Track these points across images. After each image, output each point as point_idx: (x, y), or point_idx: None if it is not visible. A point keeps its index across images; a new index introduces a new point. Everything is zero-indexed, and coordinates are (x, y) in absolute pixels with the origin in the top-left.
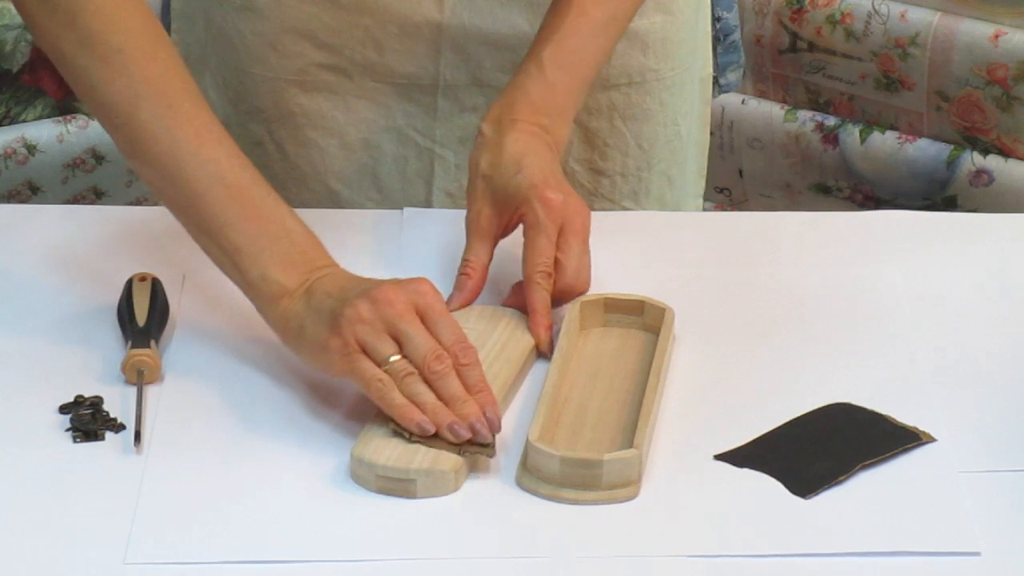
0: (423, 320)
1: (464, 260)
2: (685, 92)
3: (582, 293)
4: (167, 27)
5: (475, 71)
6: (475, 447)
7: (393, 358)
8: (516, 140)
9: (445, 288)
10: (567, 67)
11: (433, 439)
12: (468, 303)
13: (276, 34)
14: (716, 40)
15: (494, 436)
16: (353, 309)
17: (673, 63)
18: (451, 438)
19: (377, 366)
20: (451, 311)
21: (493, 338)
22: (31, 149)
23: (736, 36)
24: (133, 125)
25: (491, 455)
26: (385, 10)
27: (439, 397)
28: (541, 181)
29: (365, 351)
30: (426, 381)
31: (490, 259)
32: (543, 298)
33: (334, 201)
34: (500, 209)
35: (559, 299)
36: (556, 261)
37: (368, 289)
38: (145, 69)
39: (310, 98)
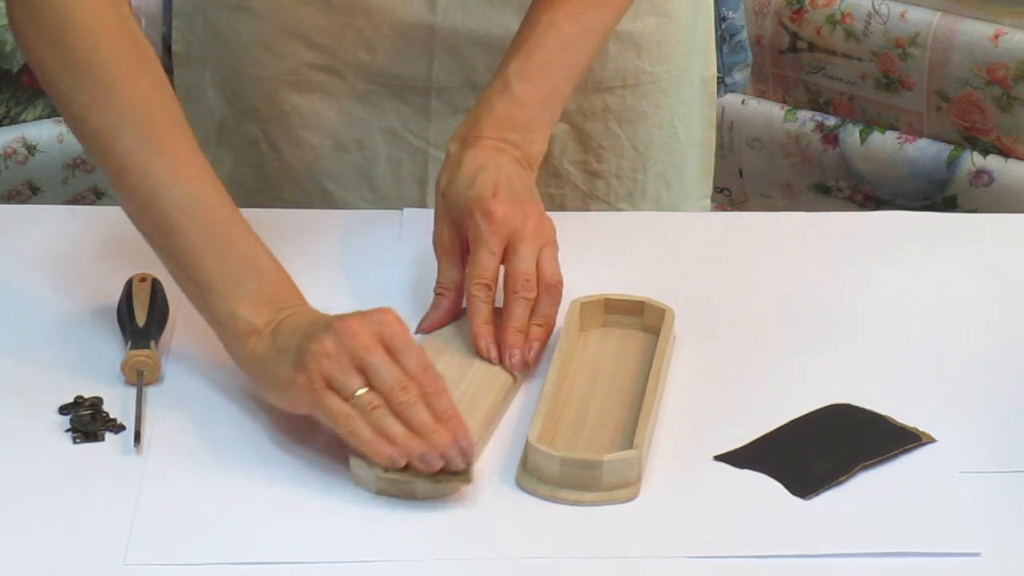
0: (388, 350)
1: (436, 282)
2: (682, 94)
3: (551, 293)
4: (168, 25)
5: (468, 73)
6: (450, 475)
7: (360, 391)
8: (475, 156)
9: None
10: (536, 80)
11: (408, 470)
12: (442, 323)
13: (270, 34)
14: (722, 40)
15: (469, 463)
16: (318, 344)
17: (669, 65)
18: (423, 468)
19: (344, 400)
20: (426, 331)
21: (479, 360)
22: (31, 149)
23: (742, 36)
24: (113, 154)
25: (467, 482)
26: (378, 11)
27: (409, 428)
28: (488, 193)
29: (332, 386)
30: (394, 413)
31: (462, 277)
32: (479, 310)
33: (328, 201)
34: (457, 227)
35: (537, 306)
36: (505, 270)
37: (331, 322)
38: (127, 94)
39: (304, 98)
